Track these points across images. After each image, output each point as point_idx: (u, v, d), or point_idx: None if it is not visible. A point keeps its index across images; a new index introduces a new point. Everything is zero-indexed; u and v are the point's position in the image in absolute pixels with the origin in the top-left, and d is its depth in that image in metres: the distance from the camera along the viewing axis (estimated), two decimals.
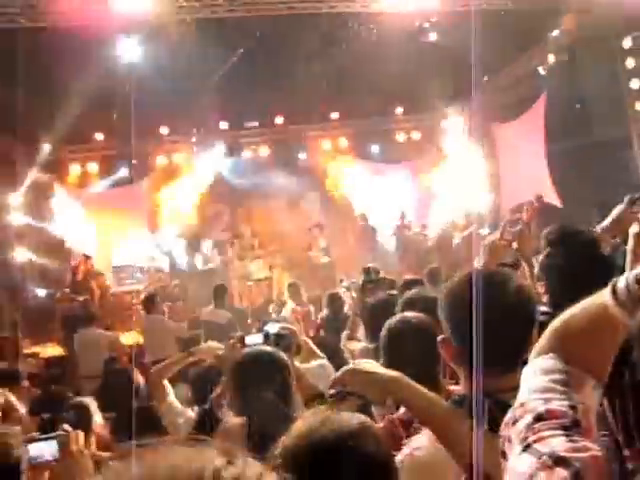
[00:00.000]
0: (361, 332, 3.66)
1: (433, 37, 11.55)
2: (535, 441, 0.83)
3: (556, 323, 1.01)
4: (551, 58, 10.99)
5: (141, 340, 8.29)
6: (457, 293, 1.55)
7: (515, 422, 0.89)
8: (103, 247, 12.97)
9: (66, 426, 1.71)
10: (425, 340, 2.17)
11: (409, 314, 2.33)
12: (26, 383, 5.30)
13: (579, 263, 2.13)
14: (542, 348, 1.00)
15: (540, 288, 2.53)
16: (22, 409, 4.25)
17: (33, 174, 12.71)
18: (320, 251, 12.26)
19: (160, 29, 10.00)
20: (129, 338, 9.38)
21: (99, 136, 13.23)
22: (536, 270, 2.51)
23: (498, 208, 13.12)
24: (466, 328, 1.38)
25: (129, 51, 10.76)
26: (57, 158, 13.17)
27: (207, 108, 12.42)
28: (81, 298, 11.01)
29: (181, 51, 10.55)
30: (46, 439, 1.52)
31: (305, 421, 1.25)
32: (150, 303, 7.65)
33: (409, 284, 4.95)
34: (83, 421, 3.51)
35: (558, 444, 0.81)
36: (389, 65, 11.13)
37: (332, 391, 1.50)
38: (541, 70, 11.28)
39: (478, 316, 1.32)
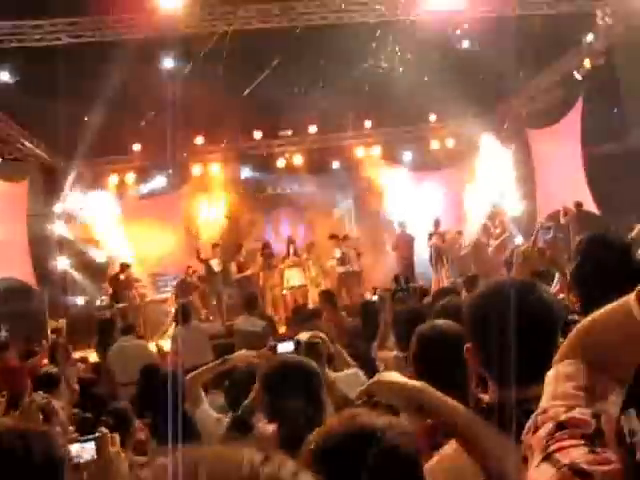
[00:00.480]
0: (392, 341, 3.66)
1: (466, 44, 11.49)
2: (556, 450, 0.81)
3: (579, 327, 0.99)
4: (587, 62, 10.80)
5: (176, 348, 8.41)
6: (481, 303, 1.55)
7: (537, 429, 0.87)
8: (141, 256, 13.20)
9: (104, 428, 1.77)
10: (455, 348, 2.17)
11: (439, 321, 2.33)
12: (76, 386, 5.46)
13: (609, 271, 2.10)
14: (565, 353, 0.97)
15: (573, 297, 2.51)
16: (63, 413, 4.37)
17: (73, 185, 13.07)
18: (335, 260, 12.24)
19: (195, 41, 10.19)
20: (164, 346, 9.53)
21: (136, 147, 13.52)
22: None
23: (533, 215, 12.93)
24: (490, 337, 1.39)
25: (166, 63, 11.00)
26: (96, 169, 13.50)
27: (242, 118, 12.59)
28: (120, 306, 11.25)
29: (217, 62, 10.75)
30: (85, 440, 1.57)
31: (333, 419, 1.29)
32: (185, 312, 7.78)
33: (443, 293, 4.94)
34: (122, 425, 3.61)
35: (579, 455, 0.78)
36: (423, 72, 11.13)
37: (359, 402, 1.52)
38: (577, 75, 11.09)
39: (505, 326, 1.34)
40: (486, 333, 1.46)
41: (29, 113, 10.78)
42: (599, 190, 11.01)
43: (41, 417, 3.60)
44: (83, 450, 1.47)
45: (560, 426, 0.84)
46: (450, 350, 2.11)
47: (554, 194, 12.10)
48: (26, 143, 11.85)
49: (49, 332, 11.24)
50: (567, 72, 11.41)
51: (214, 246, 12.45)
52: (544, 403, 0.91)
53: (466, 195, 13.98)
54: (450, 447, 1.53)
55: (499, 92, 12.74)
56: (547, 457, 0.81)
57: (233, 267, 12.04)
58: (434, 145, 14.51)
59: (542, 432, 0.85)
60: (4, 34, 8.72)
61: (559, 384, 0.92)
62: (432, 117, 14.20)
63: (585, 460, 0.77)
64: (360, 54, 11.43)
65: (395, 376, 1.55)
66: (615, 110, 11.19)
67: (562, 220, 10.41)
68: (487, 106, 13.07)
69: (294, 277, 12.18)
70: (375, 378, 1.58)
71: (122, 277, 11.71)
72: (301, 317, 7.25)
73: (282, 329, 9.17)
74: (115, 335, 7.71)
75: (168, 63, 11.19)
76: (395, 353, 3.00)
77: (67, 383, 5.54)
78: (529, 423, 0.90)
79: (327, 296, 8.70)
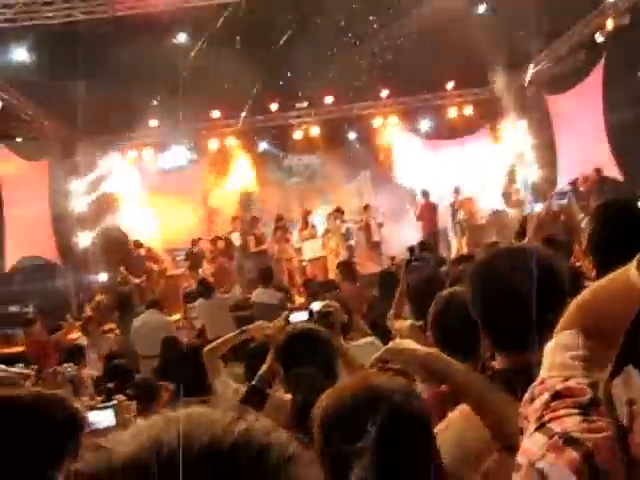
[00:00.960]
0: (407, 310, 3.67)
1: (483, 8, 11.23)
2: (550, 420, 0.80)
3: (578, 298, 0.97)
4: (609, 23, 10.47)
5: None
6: (479, 271, 1.55)
7: (533, 400, 0.86)
8: (160, 230, 13.33)
9: (121, 396, 1.82)
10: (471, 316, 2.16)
11: (459, 289, 2.33)
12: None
13: (627, 238, 2.07)
14: (564, 323, 0.96)
15: (589, 264, 2.48)
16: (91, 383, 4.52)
17: (92, 161, 13.18)
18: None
19: (210, 13, 10.09)
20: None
21: (153, 122, 13.54)
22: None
23: (554, 182, 12.75)
24: (490, 305, 1.39)
25: (181, 37, 10.94)
26: (114, 145, 13.58)
27: (257, 90, 12.51)
28: (137, 280, 11.41)
29: (232, 35, 10.65)
30: (103, 408, 1.61)
31: (344, 382, 1.33)
32: (207, 287, 7.88)
33: (459, 261, 4.92)
34: (148, 397, 3.70)
35: (572, 424, 0.77)
36: (439, 39, 10.90)
37: (374, 369, 1.54)
38: (599, 37, 10.78)
39: (504, 293, 1.33)
40: (486, 301, 1.46)
41: (47, 92, 10.83)
42: (622, 156, 10.78)
43: (71, 388, 3.71)
44: (101, 417, 1.51)
45: (556, 396, 0.83)
46: (467, 318, 2.11)
47: (575, 160, 11.89)
48: (45, 122, 11.94)
49: (73, 308, 11.49)
50: (588, 34, 11.10)
51: (234, 219, 12.51)
52: (542, 374, 0.90)
53: (485, 163, 13.80)
54: (457, 413, 1.54)
55: (518, 58, 12.46)
56: (541, 427, 0.81)
57: (251, 241, 12.11)
58: (452, 113, 14.30)
59: (538, 403, 0.85)
60: (17, 12, 8.72)
61: (557, 355, 0.91)
62: (450, 85, 13.97)
63: (578, 428, 0.77)
64: (376, 22, 11.23)
65: (409, 343, 1.58)
66: (639, 73, 10.87)
67: (582, 187, 10.22)
68: (505, 72, 12.80)
69: (312, 249, 12.23)
70: (389, 345, 1.60)
71: (136, 254, 11.84)
72: (313, 289, 7.30)
73: (300, 300, 9.24)
74: (134, 309, 7.86)
75: (183, 37, 11.13)
76: (410, 322, 3.01)
77: (98, 354, 5.68)
78: (527, 394, 0.90)
79: (345, 267, 8.75)
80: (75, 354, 5.59)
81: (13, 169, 10.73)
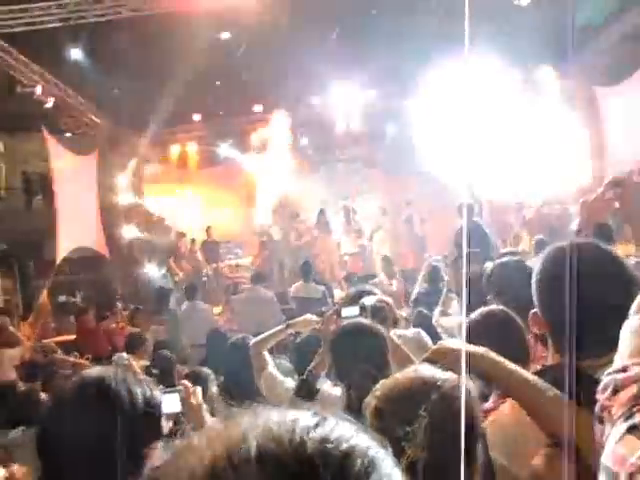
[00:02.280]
0: (453, 308, 3.65)
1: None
2: None
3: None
4: None
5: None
6: (547, 267, 1.54)
7: (617, 391, 0.78)
8: (204, 224, 13.51)
9: (186, 381, 1.87)
10: (509, 332, 2.14)
11: (493, 307, 2.29)
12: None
13: None
14: None
15: None
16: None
17: (137, 156, 13.45)
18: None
19: (250, 10, 10.15)
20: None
21: (197, 116, 13.72)
22: None
23: (602, 179, 12.40)
24: (555, 303, 1.38)
25: (224, 34, 11.05)
26: (159, 139, 13.81)
27: (298, 84, 12.54)
28: (181, 274, 11.62)
29: (273, 29, 10.69)
30: (168, 392, 1.63)
31: (398, 373, 1.39)
32: (258, 278, 8.00)
33: (505, 256, 4.87)
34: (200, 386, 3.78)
35: None
36: (477, 27, 10.71)
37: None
38: None
39: (572, 292, 1.31)
40: (551, 298, 1.45)
41: (96, 88, 11.11)
42: None
43: None
44: (167, 402, 1.54)
45: None
46: (504, 335, 2.09)
47: (625, 155, 11.55)
48: (93, 117, 12.24)
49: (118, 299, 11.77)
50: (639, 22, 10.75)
51: (274, 212, 12.59)
52: (623, 359, 0.82)
53: (530, 158, 13.50)
54: (507, 407, 1.54)
55: (565, 48, 12.15)
56: (633, 428, 0.73)
57: (292, 234, 12.18)
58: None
59: (624, 395, 0.77)
60: (68, 12, 8.95)
61: (639, 339, 0.82)
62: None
63: None
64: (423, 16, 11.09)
65: (457, 342, 1.59)
66: None
67: (636, 179, 9.91)
68: (551, 64, 12.50)
69: (348, 245, 12.27)
70: (437, 345, 1.62)
71: (181, 246, 12.05)
72: (353, 283, 7.30)
73: (341, 294, 9.23)
74: (170, 303, 8.01)
75: (226, 33, 11.24)
76: (458, 319, 2.99)
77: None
78: (606, 381, 0.82)
79: (386, 261, 8.77)
80: (136, 342, 5.76)
81: (64, 163, 11.04)
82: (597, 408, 0.83)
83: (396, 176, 14.25)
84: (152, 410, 1.39)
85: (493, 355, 1.50)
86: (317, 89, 13.27)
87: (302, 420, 0.57)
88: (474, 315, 2.24)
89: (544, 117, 13.63)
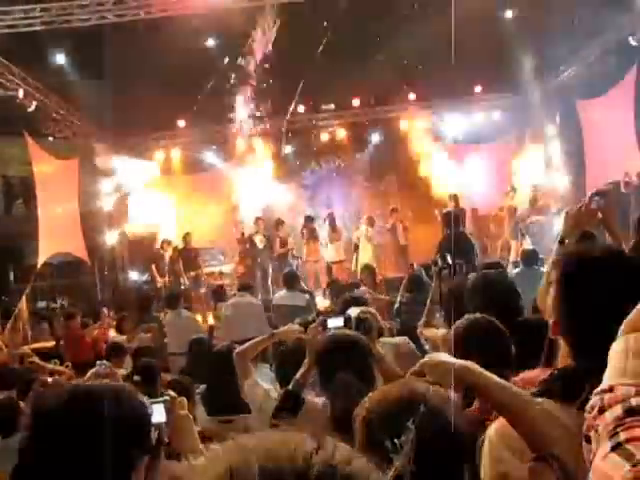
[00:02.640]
0: (437, 319, 3.66)
1: (513, 12, 11.15)
2: (628, 440, 0.73)
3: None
4: None
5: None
6: (570, 272, 1.55)
7: (602, 410, 0.79)
8: (187, 231, 13.43)
9: (171, 392, 1.85)
10: (492, 342, 2.16)
11: (477, 316, 2.31)
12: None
13: None
14: (636, 323, 0.87)
15: None
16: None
17: (121, 161, 13.35)
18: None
19: (235, 17, 10.16)
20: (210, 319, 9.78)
21: (181, 123, 13.68)
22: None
23: (583, 188, 12.57)
24: (575, 307, 1.41)
25: (209, 41, 11.05)
26: (143, 145, 13.74)
27: (284, 92, 12.57)
28: (163, 280, 11.54)
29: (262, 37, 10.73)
30: (153, 403, 1.61)
31: (385, 387, 1.44)
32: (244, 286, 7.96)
33: (488, 267, 4.91)
34: (184, 395, 3.74)
35: None
36: (467, 43, 10.83)
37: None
38: (632, 40, 10.60)
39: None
40: (572, 304, 1.48)
41: (78, 92, 11.03)
42: None
43: None
44: (153, 412, 1.53)
45: (631, 411, 0.76)
46: (486, 345, 2.11)
47: (605, 167, 11.72)
48: (76, 121, 12.14)
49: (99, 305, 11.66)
50: (621, 38, 10.93)
51: (257, 220, 12.56)
52: (610, 379, 0.83)
53: (513, 169, 13.67)
54: (493, 429, 1.55)
55: (547, 62, 12.33)
56: (617, 447, 0.74)
57: (276, 242, 12.17)
58: (479, 117, 14.20)
59: (609, 415, 0.78)
60: (52, 15, 8.88)
61: (629, 360, 0.82)
62: (477, 89, 13.88)
63: None
64: (404, 25, 11.20)
65: (444, 356, 1.61)
66: None
67: (623, 189, 10.04)
68: (535, 77, 12.67)
69: (335, 252, 12.28)
70: (425, 359, 1.63)
71: (164, 253, 11.96)
72: (337, 291, 7.30)
73: (325, 303, 9.23)
74: (152, 311, 7.94)
75: (213, 40, 11.25)
76: (443, 331, 3.00)
77: (130, 352, 5.75)
78: (593, 401, 0.83)
79: (368, 270, 8.78)
80: (117, 351, 5.70)
81: (45, 167, 10.93)
82: (584, 427, 0.84)
83: (379, 184, 14.35)
84: (141, 426, 1.38)
85: (479, 369, 1.50)
86: (302, 97, 13.32)
87: (303, 443, 0.57)
88: (459, 323, 2.25)
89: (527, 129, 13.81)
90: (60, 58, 10.46)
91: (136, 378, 4.29)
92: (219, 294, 8.41)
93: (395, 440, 1.20)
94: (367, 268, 9.14)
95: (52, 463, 1.25)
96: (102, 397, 1.33)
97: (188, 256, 11.98)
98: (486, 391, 1.49)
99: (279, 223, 12.62)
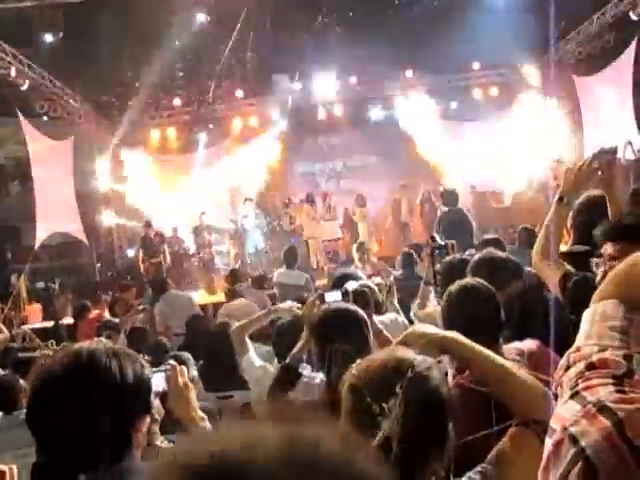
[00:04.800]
0: (431, 300, 3.67)
1: None
2: (584, 389, 0.83)
3: (620, 267, 0.98)
4: None
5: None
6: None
7: (568, 368, 0.89)
8: (184, 210, 13.40)
9: (172, 361, 1.88)
10: (484, 307, 2.17)
11: (469, 281, 2.32)
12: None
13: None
14: (605, 292, 0.96)
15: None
16: None
17: (116, 141, 13.26)
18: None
19: None
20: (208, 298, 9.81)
21: (177, 102, 13.57)
22: None
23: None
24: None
25: (202, 18, 10.92)
26: (138, 125, 13.63)
27: (279, 69, 12.47)
28: (153, 261, 11.53)
29: (254, 15, 10.60)
30: (155, 372, 1.64)
31: (373, 355, 1.44)
32: (234, 276, 7.93)
33: (486, 243, 4.91)
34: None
35: (606, 394, 0.80)
36: (465, 19, 10.73)
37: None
38: (633, 15, 10.47)
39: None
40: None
41: (73, 71, 10.91)
42: None
43: None
44: (154, 381, 1.55)
45: (590, 366, 0.85)
46: (480, 310, 2.12)
47: (602, 143, 11.64)
48: (71, 101, 12.03)
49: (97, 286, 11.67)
50: (622, 13, 10.80)
51: (246, 200, 12.58)
52: (579, 342, 0.92)
53: (510, 145, 13.60)
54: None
55: (546, 38, 12.22)
56: (575, 395, 0.84)
57: (287, 220, 12.19)
58: (477, 94, 14.09)
59: (573, 371, 0.87)
60: None
61: (595, 323, 0.92)
62: (476, 65, 13.76)
63: (612, 398, 0.79)
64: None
65: (429, 328, 1.64)
66: None
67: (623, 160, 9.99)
68: (533, 53, 12.56)
69: (329, 230, 12.30)
70: (410, 329, 1.66)
71: (146, 234, 11.93)
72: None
73: (322, 282, 9.23)
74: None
75: (204, 17, 11.09)
76: (439, 308, 2.98)
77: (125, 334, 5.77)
78: (562, 361, 0.92)
79: (360, 248, 8.80)
80: (110, 330, 5.71)
81: (40, 148, 10.84)
82: (553, 386, 0.93)
83: (382, 163, 14.29)
84: (142, 385, 1.41)
85: (463, 339, 1.53)
86: (300, 74, 13.20)
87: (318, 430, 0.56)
88: (453, 287, 2.25)
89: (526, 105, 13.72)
90: (53, 36, 10.32)
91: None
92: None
93: (383, 405, 1.23)
94: (359, 246, 9.15)
95: (56, 421, 1.28)
96: (104, 357, 1.36)
97: (198, 235, 12.08)
98: (469, 362, 1.54)
99: (289, 202, 12.66)
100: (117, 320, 6.55)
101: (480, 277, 2.76)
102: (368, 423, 1.23)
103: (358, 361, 1.40)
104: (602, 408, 0.78)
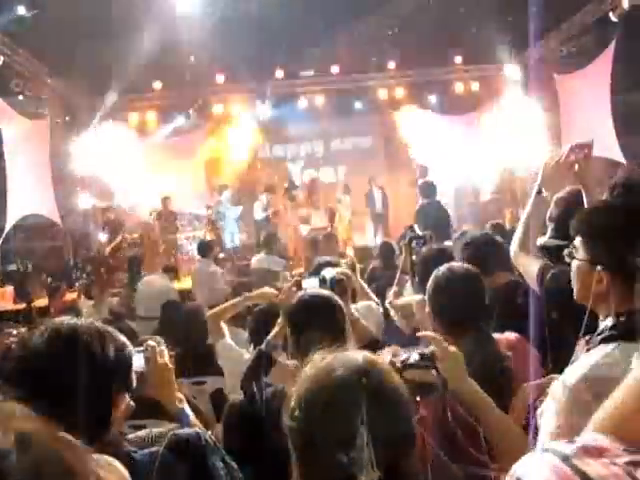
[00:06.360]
0: (407, 289, 3.69)
1: None
2: None
3: (599, 414, 0.89)
4: (625, 1, 10.26)
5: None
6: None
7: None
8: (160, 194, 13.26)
9: (151, 342, 1.87)
10: (471, 289, 2.20)
11: (455, 264, 2.37)
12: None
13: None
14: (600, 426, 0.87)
15: None
16: None
17: (95, 123, 13.05)
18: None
19: None
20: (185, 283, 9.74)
21: (157, 85, 13.39)
22: None
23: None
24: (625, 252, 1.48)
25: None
26: (118, 107, 13.41)
27: (263, 57, 12.35)
28: (110, 245, 11.46)
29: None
30: (135, 352, 1.65)
31: (329, 357, 1.24)
32: (206, 249, 7.87)
33: (494, 228, 5.04)
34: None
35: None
36: (448, 12, 10.74)
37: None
38: (612, 16, 10.59)
39: None
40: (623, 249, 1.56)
41: (50, 48, 10.66)
42: (627, 140, 10.69)
43: None
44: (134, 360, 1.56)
45: None
46: (466, 291, 2.15)
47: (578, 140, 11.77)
48: (47, 79, 11.78)
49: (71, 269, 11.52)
50: (602, 13, 10.92)
51: (221, 187, 12.51)
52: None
53: (490, 140, 13.70)
54: None
55: (527, 34, 12.30)
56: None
57: (262, 206, 12.13)
58: (459, 88, 14.16)
59: None
60: None
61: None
62: (458, 59, 13.81)
63: None
64: None
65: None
66: None
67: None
68: (515, 50, 12.64)
69: (313, 219, 12.27)
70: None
71: (106, 219, 11.83)
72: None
73: (299, 270, 9.23)
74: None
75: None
76: (419, 297, 2.98)
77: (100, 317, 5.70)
78: None
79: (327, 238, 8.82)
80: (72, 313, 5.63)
81: (15, 127, 10.59)
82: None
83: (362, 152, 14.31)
84: (122, 362, 1.40)
85: (472, 384, 1.61)
86: (282, 60, 13.11)
87: None
88: (440, 270, 2.28)
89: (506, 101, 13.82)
90: (30, 11, 10.06)
91: None
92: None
93: (348, 453, 1.01)
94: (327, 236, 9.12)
95: (35, 394, 1.23)
96: (85, 333, 1.35)
97: (167, 219, 11.97)
98: (474, 408, 1.60)
99: (268, 188, 12.61)
100: (90, 303, 6.48)
101: (472, 255, 2.85)
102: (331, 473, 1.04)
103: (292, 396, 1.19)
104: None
